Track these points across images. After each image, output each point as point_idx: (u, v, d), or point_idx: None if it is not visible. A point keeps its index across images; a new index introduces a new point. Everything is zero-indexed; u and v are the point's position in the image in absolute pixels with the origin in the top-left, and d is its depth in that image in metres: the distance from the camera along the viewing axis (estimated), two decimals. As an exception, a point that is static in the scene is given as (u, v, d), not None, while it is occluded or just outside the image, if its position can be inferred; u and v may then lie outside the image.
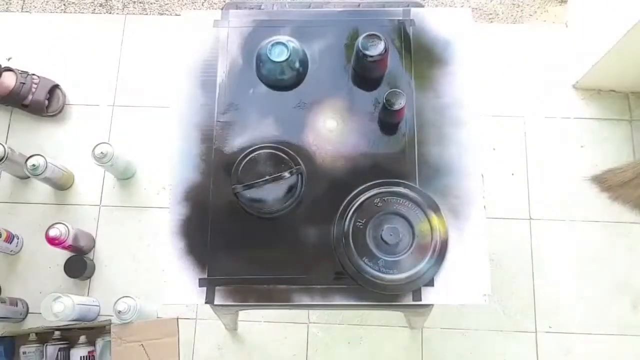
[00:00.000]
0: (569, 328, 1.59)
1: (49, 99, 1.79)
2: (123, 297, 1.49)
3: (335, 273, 1.05)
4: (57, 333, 1.54)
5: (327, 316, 1.62)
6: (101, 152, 1.58)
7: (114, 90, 1.84)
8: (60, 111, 1.81)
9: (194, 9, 1.94)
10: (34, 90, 1.76)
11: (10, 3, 1.95)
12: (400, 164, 1.10)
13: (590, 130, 1.75)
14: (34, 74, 1.79)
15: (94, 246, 1.70)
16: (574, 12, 1.84)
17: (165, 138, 1.77)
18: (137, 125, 1.80)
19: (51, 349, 1.51)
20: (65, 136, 1.80)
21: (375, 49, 1.09)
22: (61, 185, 1.73)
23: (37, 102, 1.76)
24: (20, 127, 1.81)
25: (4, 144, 1.62)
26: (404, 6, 1.20)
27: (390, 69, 1.14)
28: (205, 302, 1.05)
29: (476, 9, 1.91)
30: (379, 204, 1.06)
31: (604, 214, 1.67)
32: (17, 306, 1.61)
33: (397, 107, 1.06)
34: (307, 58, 1.15)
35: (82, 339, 1.52)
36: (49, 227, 1.52)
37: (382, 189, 1.07)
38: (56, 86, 1.81)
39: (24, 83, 1.75)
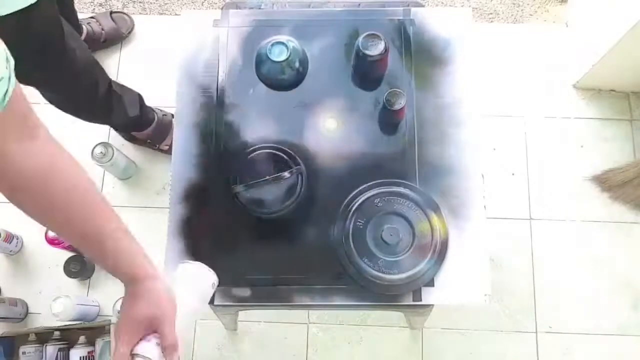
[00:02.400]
0: (570, 328, 1.59)
1: (117, 24, 1.84)
2: (123, 297, 1.49)
3: (335, 273, 1.05)
4: (56, 333, 1.54)
5: (327, 316, 1.61)
6: (101, 152, 1.57)
7: (113, 90, 1.84)
8: (132, 29, 1.88)
9: (194, 8, 1.94)
10: (102, 27, 1.81)
11: (10, 3, 1.94)
12: (400, 164, 1.09)
13: (591, 130, 1.75)
14: (90, 17, 1.84)
15: (93, 246, 1.70)
16: (575, 11, 1.84)
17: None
18: (136, 125, 1.80)
19: (51, 349, 1.51)
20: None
21: (375, 49, 1.08)
22: (61, 185, 1.73)
23: (111, 30, 1.82)
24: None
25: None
26: (404, 6, 1.20)
27: (390, 69, 1.14)
28: (205, 303, 1.05)
29: (476, 8, 1.90)
30: (379, 204, 1.06)
31: (605, 214, 1.67)
32: (16, 306, 1.61)
33: (397, 107, 1.06)
34: (307, 58, 1.15)
35: (82, 339, 1.52)
36: (49, 227, 1.52)
37: (382, 189, 1.07)
38: (111, 12, 1.87)
39: (89, 23, 1.81)
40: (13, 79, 0.59)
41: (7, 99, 0.59)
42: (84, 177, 0.72)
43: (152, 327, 0.75)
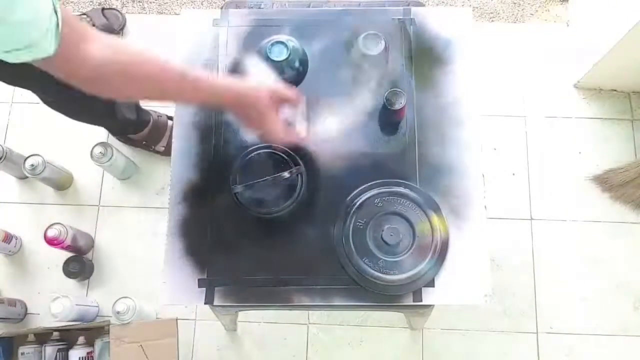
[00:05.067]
0: (571, 329, 1.59)
1: (109, 21, 1.84)
2: (122, 297, 1.48)
3: (335, 273, 1.04)
4: (55, 334, 1.53)
5: (327, 317, 1.61)
6: (100, 152, 1.57)
7: (113, 89, 1.83)
8: (124, 25, 1.87)
9: (193, 8, 1.93)
10: (94, 23, 1.80)
11: (9, 2, 1.94)
12: (400, 164, 1.09)
13: (592, 130, 1.75)
14: (82, 14, 1.84)
15: (92, 246, 1.70)
16: (575, 11, 1.83)
17: (164, 138, 1.76)
18: (136, 125, 1.79)
19: (50, 350, 1.51)
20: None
21: (376, 48, 1.08)
22: (60, 185, 1.72)
23: (103, 27, 1.81)
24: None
25: (2, 144, 1.62)
26: (405, 5, 1.20)
27: (390, 69, 1.14)
28: (205, 303, 1.04)
29: (477, 8, 1.90)
30: (379, 204, 1.05)
31: (606, 214, 1.67)
32: (15, 307, 1.60)
33: (397, 106, 1.06)
34: (307, 57, 1.14)
35: (81, 339, 1.51)
36: (48, 228, 1.52)
37: (383, 189, 1.06)
38: (103, 9, 1.86)
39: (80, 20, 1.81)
40: (59, 10, 0.70)
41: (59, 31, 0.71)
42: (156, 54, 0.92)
43: (277, 102, 0.98)
